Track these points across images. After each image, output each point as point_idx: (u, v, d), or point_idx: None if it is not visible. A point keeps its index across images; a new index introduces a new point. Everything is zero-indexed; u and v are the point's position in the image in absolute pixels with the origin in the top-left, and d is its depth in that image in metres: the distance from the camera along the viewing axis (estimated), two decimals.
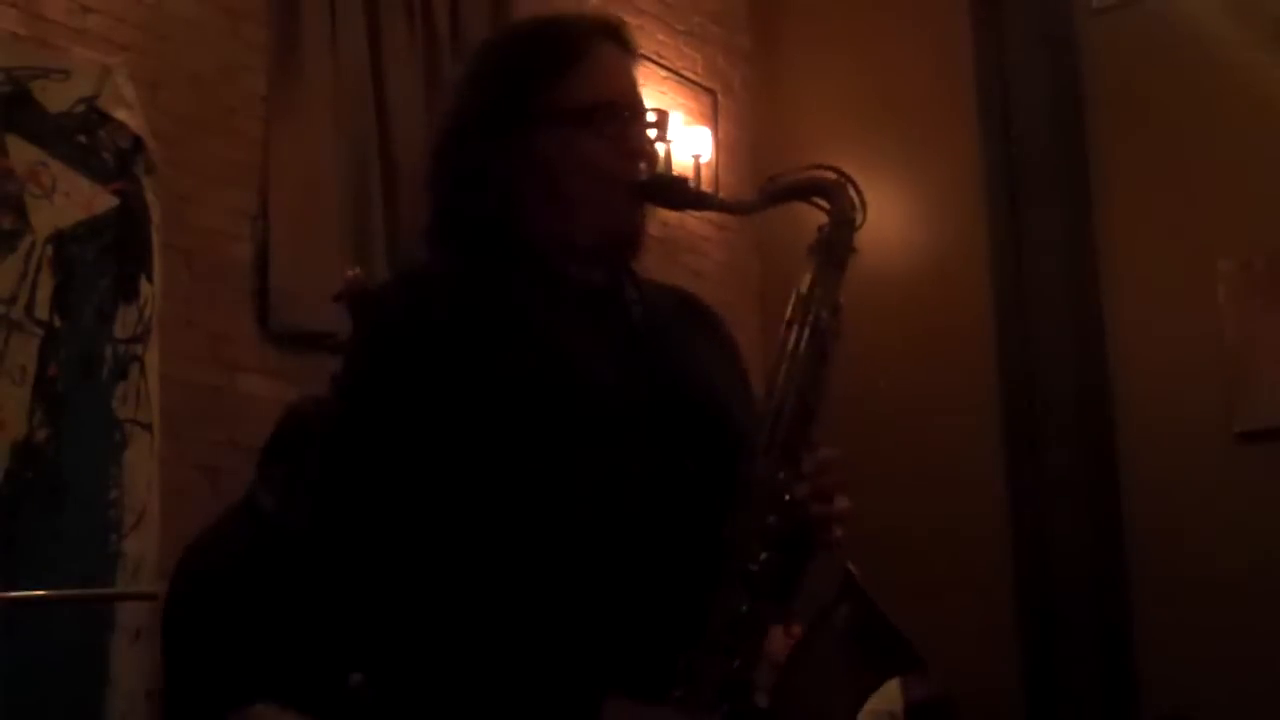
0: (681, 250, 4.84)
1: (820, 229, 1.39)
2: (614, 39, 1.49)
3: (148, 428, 3.16)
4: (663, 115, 1.60)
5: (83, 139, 3.16)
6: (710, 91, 5.08)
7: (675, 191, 1.48)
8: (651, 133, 1.49)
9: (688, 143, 4.84)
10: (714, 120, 5.02)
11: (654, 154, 1.48)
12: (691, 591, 1.28)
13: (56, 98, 3.12)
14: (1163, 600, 4.23)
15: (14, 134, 3.03)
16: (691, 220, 4.86)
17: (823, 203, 1.40)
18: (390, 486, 1.31)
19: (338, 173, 3.71)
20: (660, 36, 4.95)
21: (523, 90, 1.44)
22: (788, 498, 1.31)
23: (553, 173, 1.42)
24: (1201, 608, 4.11)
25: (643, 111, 1.48)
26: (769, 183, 1.44)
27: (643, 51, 5.35)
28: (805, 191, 1.41)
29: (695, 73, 5.06)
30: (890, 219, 4.89)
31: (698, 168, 4.86)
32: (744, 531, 1.30)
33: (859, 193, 1.39)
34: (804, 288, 1.37)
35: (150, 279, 3.22)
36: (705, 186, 4.84)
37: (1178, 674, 4.11)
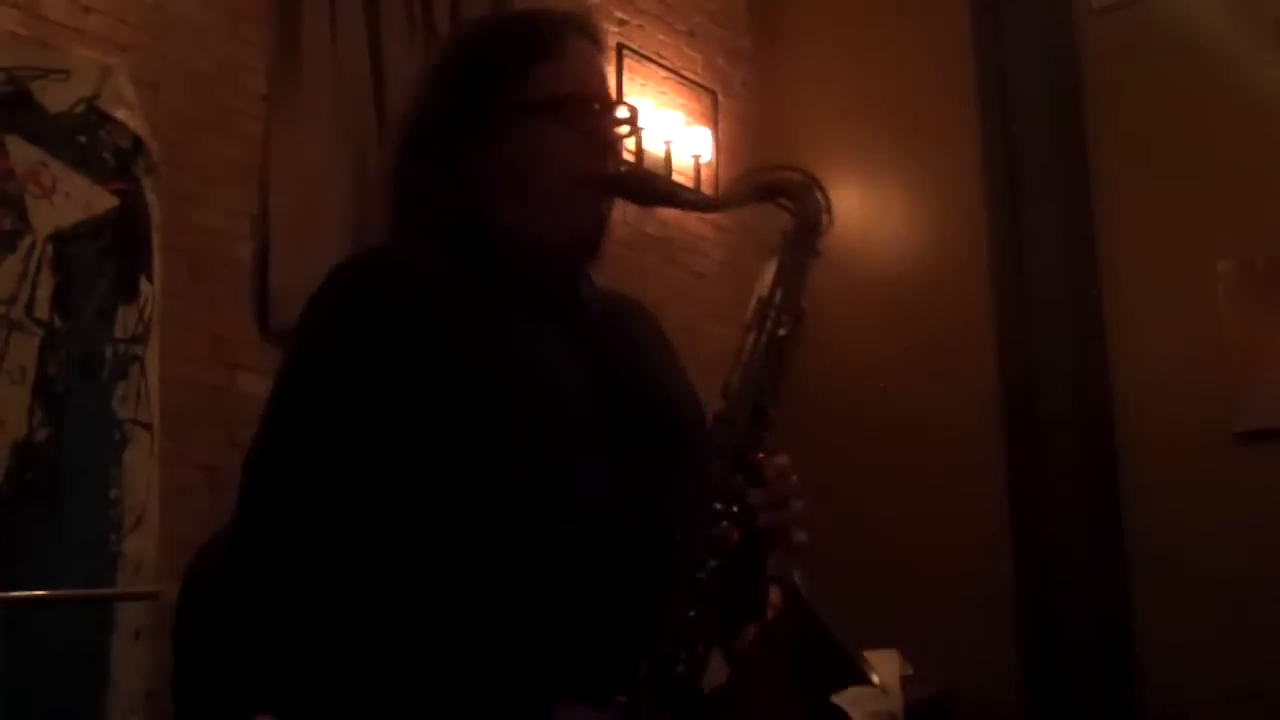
0: (681, 250, 4.84)
1: (785, 232, 1.38)
2: (585, 34, 1.49)
3: (148, 428, 3.16)
4: (634, 111, 1.57)
5: (83, 139, 3.16)
6: (710, 91, 5.08)
7: (648, 187, 1.48)
8: (625, 129, 1.48)
9: (688, 143, 4.83)
10: (714, 120, 5.02)
11: (621, 148, 1.47)
12: (644, 595, 1.26)
13: (56, 98, 3.12)
14: (1163, 600, 4.24)
15: (14, 134, 3.03)
16: (691, 220, 4.85)
17: (789, 204, 1.38)
18: (328, 485, 1.29)
19: (338, 173, 3.71)
20: (660, 36, 4.95)
21: (493, 82, 1.43)
22: (736, 507, 1.29)
23: (520, 164, 1.41)
24: (1201, 608, 4.11)
25: (613, 106, 1.48)
26: (737, 181, 1.44)
27: (643, 51, 5.36)
28: (773, 192, 1.40)
29: (695, 73, 5.06)
30: (890, 219, 4.90)
31: (698, 168, 4.86)
32: (692, 539, 1.28)
33: (825, 196, 1.38)
34: (765, 291, 1.35)
35: (150, 279, 3.22)
36: (705, 187, 4.84)
37: (1178, 674, 4.11)
